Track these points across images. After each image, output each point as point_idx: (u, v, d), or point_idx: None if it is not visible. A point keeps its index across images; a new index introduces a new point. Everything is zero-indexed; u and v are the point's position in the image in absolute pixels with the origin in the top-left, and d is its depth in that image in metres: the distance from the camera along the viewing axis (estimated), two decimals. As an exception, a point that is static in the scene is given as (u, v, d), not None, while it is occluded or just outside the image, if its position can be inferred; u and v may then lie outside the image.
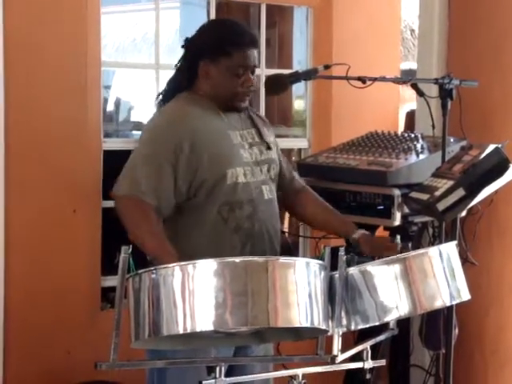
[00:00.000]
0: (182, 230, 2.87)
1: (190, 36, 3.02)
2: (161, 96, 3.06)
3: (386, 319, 2.42)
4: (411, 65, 5.70)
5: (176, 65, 3.04)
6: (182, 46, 3.02)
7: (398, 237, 2.84)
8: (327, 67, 3.13)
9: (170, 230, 2.83)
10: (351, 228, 3.02)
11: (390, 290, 2.38)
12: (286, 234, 4.10)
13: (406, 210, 3.41)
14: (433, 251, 2.48)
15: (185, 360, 2.45)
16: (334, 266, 2.38)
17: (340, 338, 2.35)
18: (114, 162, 4.05)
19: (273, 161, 3.04)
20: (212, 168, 2.84)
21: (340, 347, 2.35)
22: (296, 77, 3.12)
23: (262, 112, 4.33)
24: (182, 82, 2.99)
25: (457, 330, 3.48)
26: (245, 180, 2.90)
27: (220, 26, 3.06)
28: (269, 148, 3.03)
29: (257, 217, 2.92)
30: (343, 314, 2.37)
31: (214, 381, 2.26)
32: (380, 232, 3.73)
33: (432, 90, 3.36)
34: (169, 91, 3.04)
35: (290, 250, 4.13)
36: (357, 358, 2.50)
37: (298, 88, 4.78)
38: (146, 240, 2.70)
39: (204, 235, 2.87)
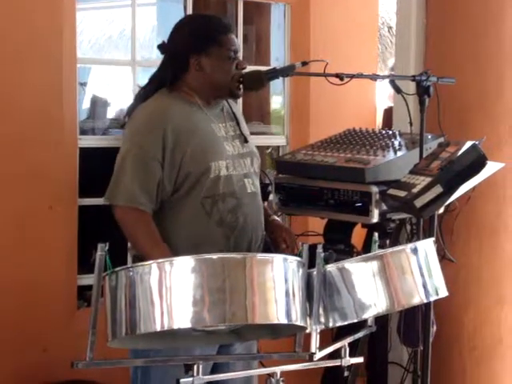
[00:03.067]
0: (165, 226, 2.87)
1: (166, 37, 3.04)
2: (142, 92, 3.06)
3: (364, 316, 2.42)
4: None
5: (162, 63, 3.04)
6: (161, 49, 3.04)
7: (376, 234, 2.84)
8: (305, 64, 3.12)
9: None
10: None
11: (367, 286, 2.37)
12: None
13: (384, 207, 3.41)
14: (410, 248, 2.48)
15: (163, 358, 2.43)
16: (312, 263, 2.37)
17: (318, 336, 2.34)
18: (90, 159, 4.05)
19: (254, 154, 3.08)
20: (196, 161, 2.87)
21: (318, 345, 2.34)
22: (274, 73, 3.11)
23: (240, 109, 4.31)
24: (166, 80, 2.99)
25: (435, 327, 3.48)
26: (227, 173, 2.92)
27: (198, 21, 3.12)
28: (246, 141, 3.05)
29: (241, 210, 2.94)
30: (321, 311, 2.36)
31: (191, 379, 2.25)
32: (358, 229, 3.72)
33: (410, 87, 3.36)
34: (151, 88, 3.03)
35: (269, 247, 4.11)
36: (335, 355, 2.49)
37: (275, 85, 4.77)
38: (149, 252, 2.74)
39: (188, 229, 2.88)
